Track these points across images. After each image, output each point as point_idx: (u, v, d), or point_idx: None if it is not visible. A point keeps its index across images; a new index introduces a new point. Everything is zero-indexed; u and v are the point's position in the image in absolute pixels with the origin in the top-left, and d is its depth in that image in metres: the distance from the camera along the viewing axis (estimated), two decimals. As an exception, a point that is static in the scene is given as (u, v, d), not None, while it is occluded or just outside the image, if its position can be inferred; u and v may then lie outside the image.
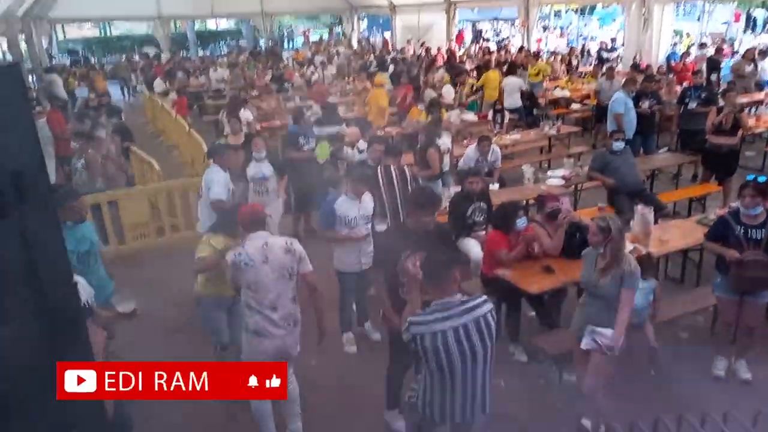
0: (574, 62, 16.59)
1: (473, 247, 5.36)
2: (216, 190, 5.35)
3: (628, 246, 4.82)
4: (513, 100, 10.82)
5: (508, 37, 25.34)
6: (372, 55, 19.84)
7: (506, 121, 10.15)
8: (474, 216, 5.47)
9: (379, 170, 5.27)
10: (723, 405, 1.91)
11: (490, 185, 6.62)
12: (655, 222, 5.28)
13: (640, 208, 5.10)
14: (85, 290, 2.78)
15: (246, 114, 9.03)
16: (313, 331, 5.10)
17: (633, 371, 4.38)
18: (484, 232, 5.39)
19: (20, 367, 1.25)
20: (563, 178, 7.10)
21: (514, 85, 11.03)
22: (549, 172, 7.62)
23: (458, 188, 6.01)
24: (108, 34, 31.76)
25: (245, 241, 3.46)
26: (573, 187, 7.20)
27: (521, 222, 4.66)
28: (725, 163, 7.26)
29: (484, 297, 2.83)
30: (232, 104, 9.51)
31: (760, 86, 11.77)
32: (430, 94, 10.79)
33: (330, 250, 4.84)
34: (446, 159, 7.20)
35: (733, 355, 4.35)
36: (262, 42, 26.37)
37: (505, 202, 5.01)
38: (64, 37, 29.90)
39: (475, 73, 13.71)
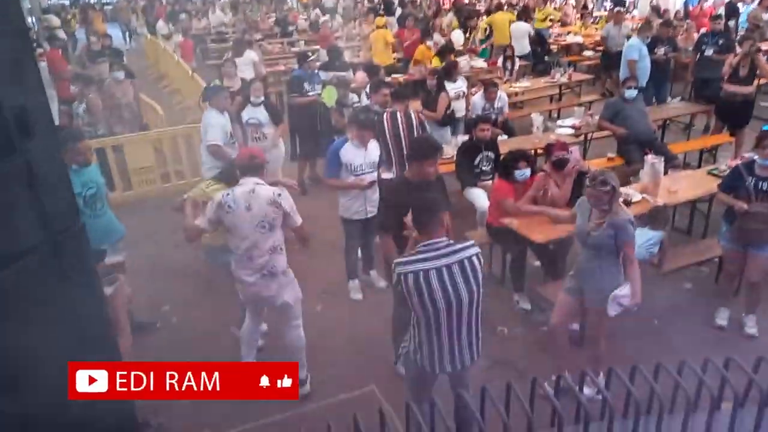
0: (590, 5, 16.02)
1: (480, 197, 5.33)
2: (212, 134, 5.26)
3: (637, 196, 4.80)
4: (521, 47, 10.50)
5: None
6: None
7: (516, 68, 9.90)
8: (481, 165, 5.41)
9: (385, 116, 5.17)
10: (725, 354, 1.92)
11: (499, 136, 6.53)
12: (665, 173, 5.21)
13: (650, 158, 5.03)
14: None
15: (251, 54, 8.82)
16: (317, 278, 5.16)
17: (635, 320, 4.44)
18: (491, 182, 5.35)
19: (28, 298, 1.25)
20: (573, 127, 6.98)
21: (522, 30, 10.70)
22: (559, 122, 7.49)
23: (466, 137, 5.92)
24: (107, -28, 30.72)
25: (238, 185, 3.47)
26: (583, 136, 7.09)
27: (520, 174, 4.58)
28: (739, 113, 7.10)
29: (472, 242, 2.84)
30: (236, 47, 9.31)
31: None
32: (438, 39, 10.48)
33: (335, 197, 4.82)
34: (461, 104, 7.08)
35: (742, 307, 4.36)
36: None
37: (512, 150, 4.92)
38: (62, -25, 28.96)
39: (485, 16, 13.27)
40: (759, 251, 4.08)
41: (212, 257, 4.28)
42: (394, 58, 10.57)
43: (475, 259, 2.73)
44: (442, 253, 2.69)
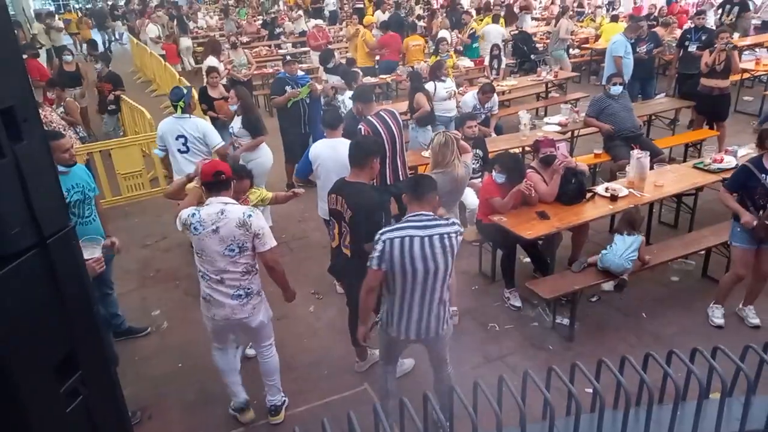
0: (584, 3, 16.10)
1: (469, 195, 5.35)
2: (217, 138, 5.20)
3: (624, 191, 4.84)
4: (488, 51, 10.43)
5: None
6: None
7: (503, 66, 9.94)
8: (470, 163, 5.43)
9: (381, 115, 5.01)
10: (713, 345, 1.95)
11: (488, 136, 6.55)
12: (651, 167, 5.27)
13: (636, 153, 5.08)
14: None
15: (211, 60, 8.66)
16: (307, 279, 5.16)
17: (624, 313, 4.49)
18: (479, 180, 5.37)
19: (19, 302, 1.24)
20: (559, 124, 7.03)
21: (495, 33, 10.74)
22: (545, 119, 7.54)
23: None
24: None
25: (204, 204, 3.16)
26: (570, 133, 7.14)
27: (495, 176, 4.62)
28: (717, 107, 7.17)
29: (455, 221, 3.04)
30: (206, 50, 9.29)
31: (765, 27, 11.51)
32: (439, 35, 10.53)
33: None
34: (452, 103, 7.12)
35: (734, 300, 4.36)
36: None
37: (501, 154, 4.92)
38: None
39: (475, 14, 13.37)
40: None
41: None
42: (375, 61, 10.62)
43: (453, 235, 2.94)
44: (426, 225, 2.92)
